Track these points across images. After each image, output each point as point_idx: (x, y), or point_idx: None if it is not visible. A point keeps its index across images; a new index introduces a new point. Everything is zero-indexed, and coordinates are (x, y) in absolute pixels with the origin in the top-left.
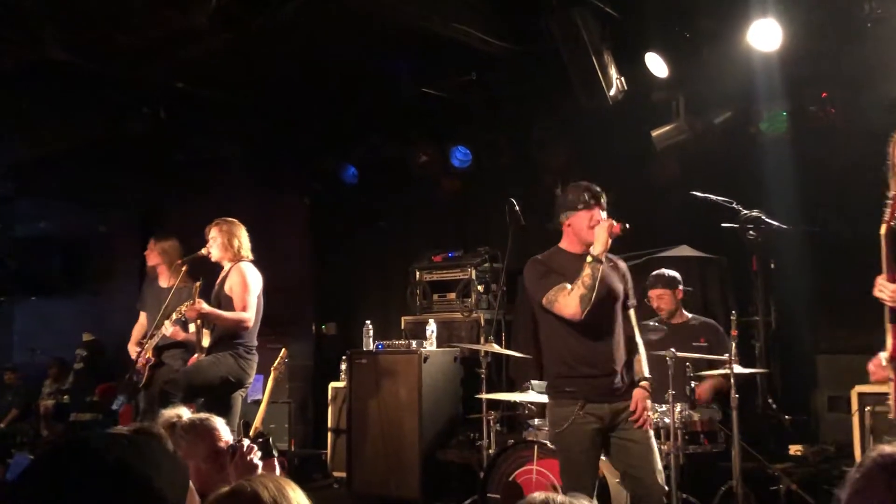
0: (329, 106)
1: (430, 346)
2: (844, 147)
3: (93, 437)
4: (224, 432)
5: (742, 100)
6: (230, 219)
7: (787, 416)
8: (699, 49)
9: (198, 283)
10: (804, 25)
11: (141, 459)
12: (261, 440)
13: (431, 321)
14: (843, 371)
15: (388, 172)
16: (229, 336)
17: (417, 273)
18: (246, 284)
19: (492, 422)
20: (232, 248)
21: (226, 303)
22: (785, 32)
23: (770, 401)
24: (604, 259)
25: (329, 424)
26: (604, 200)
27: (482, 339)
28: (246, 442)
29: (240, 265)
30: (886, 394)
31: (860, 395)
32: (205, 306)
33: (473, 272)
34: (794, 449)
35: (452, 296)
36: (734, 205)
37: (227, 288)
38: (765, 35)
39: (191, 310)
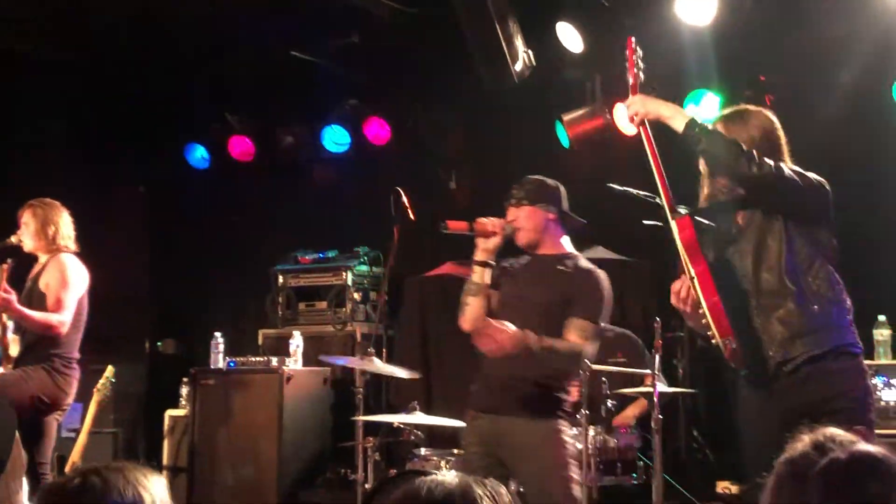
0: (175, 73)
1: (295, 364)
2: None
3: None
4: None
5: (668, 82)
6: (48, 200)
7: (710, 450)
8: (619, 20)
9: (6, 265)
10: None
11: None
12: None
13: (297, 334)
14: None
15: (246, 156)
16: (43, 345)
17: (280, 277)
18: (65, 280)
19: (369, 450)
20: (46, 237)
21: (38, 301)
22: (719, 4)
23: (694, 432)
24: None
25: (164, 461)
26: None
27: (358, 356)
28: None
29: (60, 257)
30: None
31: None
32: (14, 300)
33: (349, 277)
34: (722, 486)
35: (323, 305)
36: (657, 200)
37: (41, 284)
38: (695, 7)
39: None
